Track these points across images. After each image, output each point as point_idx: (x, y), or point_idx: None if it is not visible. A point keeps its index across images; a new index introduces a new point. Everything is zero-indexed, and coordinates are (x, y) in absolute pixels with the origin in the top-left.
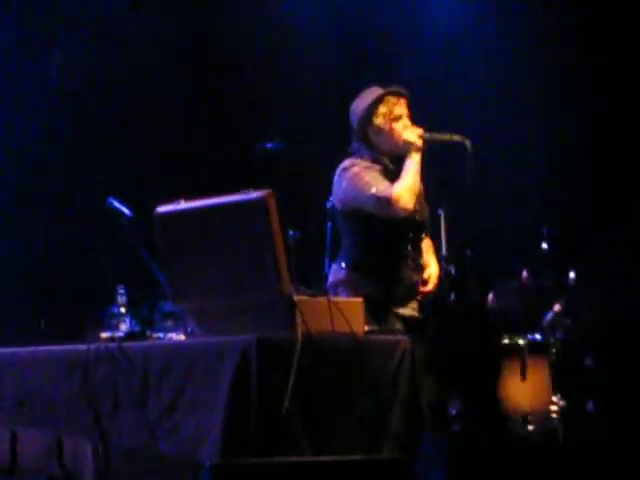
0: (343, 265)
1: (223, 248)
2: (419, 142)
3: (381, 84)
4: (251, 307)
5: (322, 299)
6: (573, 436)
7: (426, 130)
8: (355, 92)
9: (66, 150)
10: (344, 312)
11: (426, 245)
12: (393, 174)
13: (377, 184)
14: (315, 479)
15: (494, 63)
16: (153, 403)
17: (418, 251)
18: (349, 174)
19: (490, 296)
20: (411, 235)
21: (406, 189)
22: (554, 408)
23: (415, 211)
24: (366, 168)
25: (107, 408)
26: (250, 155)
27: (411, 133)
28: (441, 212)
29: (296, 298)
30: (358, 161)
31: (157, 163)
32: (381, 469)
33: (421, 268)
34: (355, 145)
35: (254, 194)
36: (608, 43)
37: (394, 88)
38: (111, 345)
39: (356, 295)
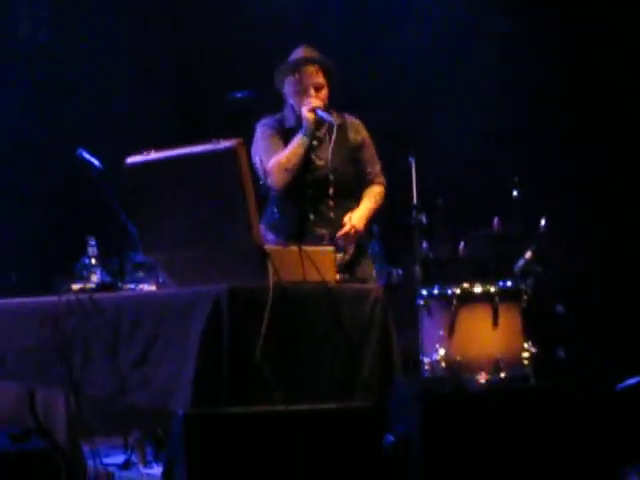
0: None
1: (193, 198)
2: (310, 117)
3: (312, 44)
4: (222, 257)
5: (293, 248)
6: (544, 382)
7: (322, 107)
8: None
9: (36, 102)
10: (315, 261)
11: (369, 192)
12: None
13: (263, 152)
14: (287, 428)
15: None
16: (124, 354)
17: (325, 207)
18: (256, 134)
19: (461, 244)
20: (310, 192)
21: (276, 165)
22: (526, 355)
23: (311, 172)
24: (267, 131)
25: (78, 359)
26: (221, 104)
27: (306, 106)
28: (412, 161)
29: (267, 247)
30: (266, 122)
31: (127, 113)
32: (353, 417)
33: (332, 222)
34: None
35: (224, 143)
36: None
37: (302, 56)
38: (82, 296)
39: None
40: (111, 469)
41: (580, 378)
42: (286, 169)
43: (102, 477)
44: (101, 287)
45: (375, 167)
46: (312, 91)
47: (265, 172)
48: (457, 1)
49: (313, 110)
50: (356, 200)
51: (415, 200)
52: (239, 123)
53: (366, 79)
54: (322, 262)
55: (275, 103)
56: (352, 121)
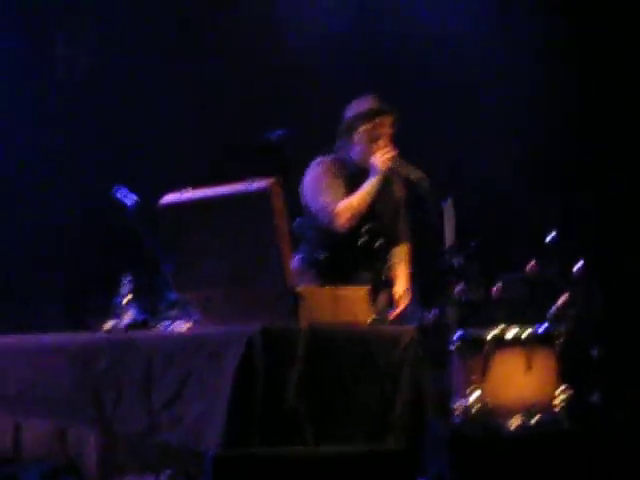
0: (298, 257)
1: (227, 238)
2: (384, 167)
3: (379, 93)
4: (255, 297)
5: (326, 289)
6: (578, 427)
7: (397, 157)
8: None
9: (72, 140)
10: (348, 302)
11: (401, 252)
12: (359, 183)
13: (328, 193)
14: (319, 470)
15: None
16: (156, 393)
17: (373, 256)
18: (314, 172)
19: (495, 287)
20: (362, 242)
21: (348, 208)
22: (559, 399)
23: (368, 221)
24: (330, 171)
25: (110, 398)
26: (255, 144)
27: (380, 156)
28: (446, 204)
29: (300, 288)
30: (327, 162)
31: (163, 152)
32: (385, 460)
33: (376, 272)
34: (340, 143)
35: (258, 184)
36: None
37: (382, 107)
38: (115, 335)
39: None
40: None
41: (615, 424)
42: (355, 215)
43: None
44: (134, 325)
45: (405, 225)
46: (385, 141)
47: (333, 214)
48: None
49: (391, 160)
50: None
51: (449, 242)
52: (274, 162)
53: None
54: (355, 303)
55: (308, 141)
56: (394, 176)
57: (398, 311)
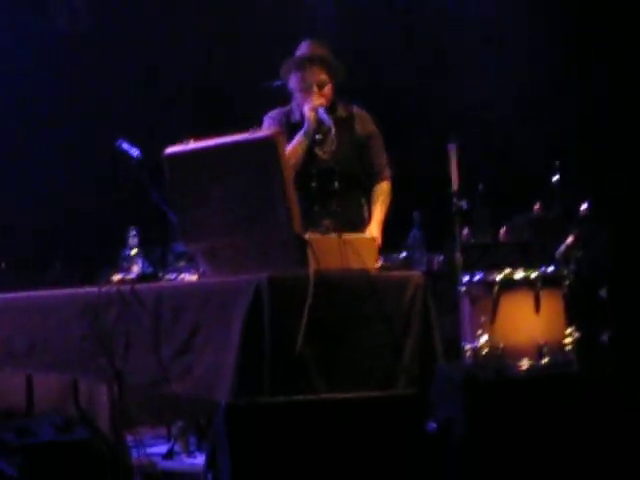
0: None
1: (233, 187)
2: (311, 116)
3: (315, 37)
4: (262, 246)
5: (333, 236)
6: (588, 368)
7: (325, 104)
8: None
9: (76, 94)
10: (356, 249)
11: (377, 191)
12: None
13: None
14: (330, 416)
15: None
16: (166, 344)
17: (330, 198)
18: (263, 126)
19: (502, 230)
20: (315, 185)
21: None
22: (568, 340)
23: (315, 164)
24: (271, 124)
25: (120, 349)
26: (259, 93)
27: (308, 105)
28: (452, 147)
29: (307, 236)
30: (274, 115)
31: (167, 103)
32: (396, 404)
33: (337, 214)
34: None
35: (263, 132)
36: None
37: (306, 54)
38: (123, 287)
39: None
40: (154, 459)
41: (624, 363)
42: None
43: (146, 467)
44: (142, 278)
45: (382, 160)
46: (315, 89)
47: None
48: None
49: (315, 109)
50: (363, 191)
51: (455, 186)
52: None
53: (404, 67)
54: (363, 250)
55: None
56: (360, 113)
57: None
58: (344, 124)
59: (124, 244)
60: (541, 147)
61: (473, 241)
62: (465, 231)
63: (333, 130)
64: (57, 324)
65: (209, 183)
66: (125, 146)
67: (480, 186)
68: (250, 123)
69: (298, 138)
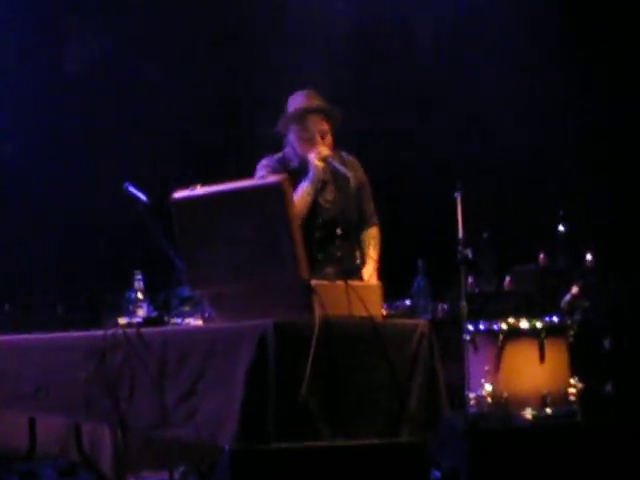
0: None
1: (240, 233)
2: (320, 166)
3: (314, 88)
4: (268, 292)
5: (339, 283)
6: (591, 418)
7: (331, 155)
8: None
9: (82, 137)
10: (361, 296)
11: (369, 236)
12: (300, 177)
13: None
14: (334, 464)
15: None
16: (170, 388)
17: (333, 246)
18: (257, 174)
19: (507, 279)
20: (318, 234)
21: None
22: (572, 390)
23: (319, 214)
24: (269, 173)
25: (125, 393)
26: (266, 139)
27: (315, 155)
28: (457, 195)
29: (313, 282)
30: (267, 164)
31: (174, 150)
32: (399, 453)
33: (339, 260)
34: (285, 139)
35: (270, 179)
36: None
37: (309, 106)
38: (129, 331)
39: None
40: None
41: (628, 414)
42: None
43: None
44: (148, 321)
45: (371, 207)
46: (319, 139)
47: None
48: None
49: (324, 159)
50: (356, 239)
51: (461, 234)
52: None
53: (409, 114)
54: (368, 297)
55: None
56: (349, 160)
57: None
58: (339, 173)
59: (129, 288)
60: (547, 196)
61: (478, 290)
62: (470, 280)
63: (351, 179)
64: (62, 366)
65: (216, 228)
66: (132, 190)
67: (485, 234)
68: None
69: (305, 187)
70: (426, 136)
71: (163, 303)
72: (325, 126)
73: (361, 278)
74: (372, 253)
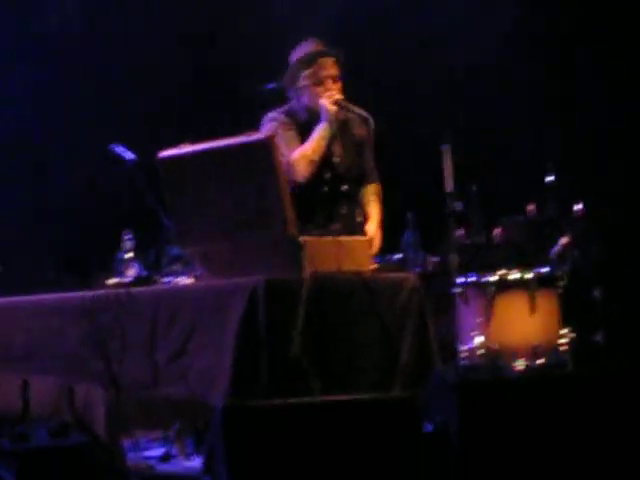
0: None
1: (228, 190)
2: (332, 109)
3: (321, 37)
4: (258, 248)
5: (328, 239)
6: (583, 368)
7: (343, 99)
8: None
9: (69, 96)
10: (351, 251)
11: (370, 192)
12: (311, 129)
13: (282, 145)
14: (325, 419)
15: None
16: (162, 347)
17: (339, 200)
18: (264, 129)
19: (497, 231)
20: (326, 188)
21: (302, 157)
22: (563, 341)
23: (327, 167)
24: (280, 125)
25: (116, 353)
26: (253, 96)
27: (327, 98)
28: (445, 148)
29: (302, 238)
30: (277, 116)
31: (160, 107)
32: (390, 407)
33: (344, 217)
34: (289, 92)
35: (257, 136)
36: None
37: (321, 49)
38: (119, 291)
39: None
40: (151, 462)
41: (619, 364)
42: (312, 161)
43: (142, 470)
44: (137, 281)
45: (372, 163)
46: (331, 83)
47: (288, 164)
48: None
49: (337, 102)
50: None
51: (449, 188)
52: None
53: (401, 66)
54: (357, 252)
55: None
56: (354, 115)
57: (375, 249)
58: (346, 125)
59: (119, 247)
60: (535, 148)
61: (468, 242)
62: (460, 232)
63: (370, 119)
64: (53, 328)
65: (204, 186)
66: (118, 150)
67: (474, 187)
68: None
69: (321, 130)
70: (413, 89)
71: (153, 262)
72: (336, 70)
73: (365, 235)
74: (375, 211)
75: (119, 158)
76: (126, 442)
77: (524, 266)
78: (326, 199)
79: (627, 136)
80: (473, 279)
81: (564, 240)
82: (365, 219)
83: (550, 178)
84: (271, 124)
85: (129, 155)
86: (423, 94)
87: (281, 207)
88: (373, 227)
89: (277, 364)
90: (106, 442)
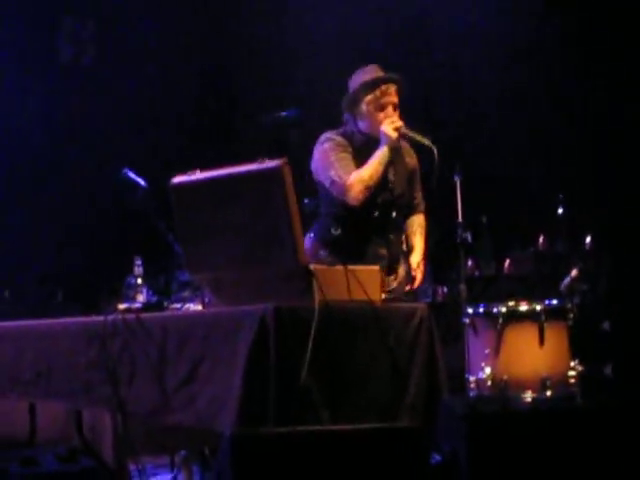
0: (311, 235)
1: (239, 218)
2: (394, 135)
3: (381, 65)
4: (268, 277)
5: (339, 268)
6: (591, 401)
7: (405, 126)
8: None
9: (82, 124)
10: (361, 280)
11: (415, 223)
12: (367, 154)
13: (339, 167)
14: (334, 448)
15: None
16: (171, 373)
17: (387, 227)
18: (321, 149)
19: (507, 262)
20: (377, 213)
21: (359, 180)
22: (572, 373)
23: (380, 192)
24: (337, 146)
25: (125, 379)
26: (263, 124)
27: (389, 125)
28: (457, 179)
29: (312, 267)
30: (334, 137)
31: (172, 135)
32: (400, 437)
33: (391, 244)
34: (345, 116)
35: (269, 164)
36: None
37: (387, 75)
38: (129, 316)
39: None
40: None
41: (628, 397)
42: (368, 186)
43: None
44: (147, 307)
45: (419, 193)
46: (392, 110)
47: (345, 187)
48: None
49: (397, 129)
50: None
51: (460, 218)
52: (282, 141)
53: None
54: (368, 281)
55: (320, 121)
56: (405, 144)
57: (417, 282)
58: (398, 154)
59: (129, 273)
60: (546, 179)
61: (477, 273)
62: (469, 263)
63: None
64: (63, 352)
65: (215, 214)
66: (131, 175)
67: (484, 218)
68: (253, 154)
69: (380, 156)
70: (426, 119)
71: (163, 288)
72: (397, 98)
73: (409, 265)
74: (420, 242)
75: (132, 183)
76: (133, 468)
77: (533, 298)
78: (376, 224)
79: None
80: (482, 310)
81: (574, 273)
82: (409, 250)
83: (560, 211)
84: (328, 144)
85: (141, 181)
86: (437, 121)
87: (292, 235)
88: (417, 259)
89: (286, 392)
90: (113, 467)
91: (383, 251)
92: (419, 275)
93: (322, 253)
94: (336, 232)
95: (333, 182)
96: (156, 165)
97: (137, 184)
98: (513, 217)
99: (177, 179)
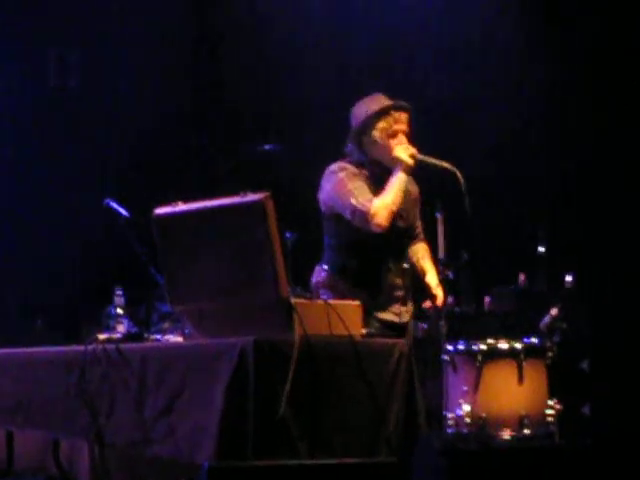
0: (325, 267)
1: (221, 250)
2: (409, 161)
3: (387, 93)
4: (249, 309)
5: (320, 302)
6: (569, 440)
7: (419, 151)
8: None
9: (64, 150)
10: (341, 315)
11: (422, 250)
12: (379, 182)
13: (358, 195)
14: None
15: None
16: (149, 404)
17: (401, 256)
18: (335, 179)
19: (487, 299)
20: (393, 241)
21: (383, 206)
22: (550, 412)
23: (396, 220)
24: (352, 175)
25: (103, 409)
26: (247, 157)
27: (403, 151)
28: (439, 215)
29: (293, 301)
30: (346, 166)
31: (156, 165)
32: (377, 472)
33: (405, 272)
34: (350, 147)
35: (252, 197)
36: None
37: (398, 103)
38: (109, 346)
39: (336, 298)
40: None
41: (606, 436)
42: (392, 211)
43: None
44: (127, 337)
45: (420, 222)
46: (403, 137)
47: (369, 214)
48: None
49: (414, 157)
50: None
51: (442, 254)
52: (266, 175)
53: None
54: (348, 316)
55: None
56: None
57: (440, 299)
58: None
59: (109, 303)
60: (527, 217)
61: (457, 309)
62: (450, 299)
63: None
64: (42, 381)
65: (197, 245)
66: (113, 205)
67: (465, 255)
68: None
69: (400, 180)
70: None
71: (143, 319)
72: (407, 127)
73: (427, 288)
74: (430, 265)
75: (114, 213)
76: None
77: (513, 336)
78: (392, 253)
79: (621, 211)
80: (462, 347)
81: (554, 311)
82: (422, 273)
83: (541, 249)
84: (342, 173)
85: (123, 211)
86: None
87: (274, 268)
88: (435, 280)
89: (264, 426)
90: None
91: (399, 281)
92: (440, 293)
93: (342, 285)
94: (353, 262)
95: (355, 210)
96: (141, 196)
97: (119, 213)
98: (494, 254)
99: (159, 210)
